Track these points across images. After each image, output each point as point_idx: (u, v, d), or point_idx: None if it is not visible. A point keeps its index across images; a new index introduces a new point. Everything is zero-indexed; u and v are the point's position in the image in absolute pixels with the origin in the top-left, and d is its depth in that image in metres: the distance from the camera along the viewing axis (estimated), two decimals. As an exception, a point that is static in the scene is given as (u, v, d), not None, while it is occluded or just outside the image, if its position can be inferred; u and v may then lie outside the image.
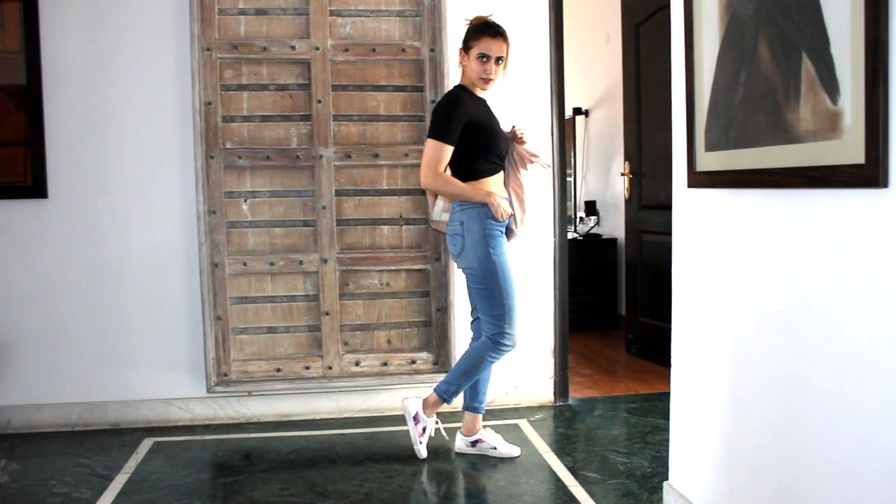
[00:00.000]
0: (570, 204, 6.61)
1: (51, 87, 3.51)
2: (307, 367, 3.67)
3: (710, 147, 2.19)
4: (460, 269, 3.17)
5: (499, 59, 3.00)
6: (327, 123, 3.59)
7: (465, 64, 3.04)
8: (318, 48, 3.57)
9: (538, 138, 3.78)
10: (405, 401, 3.19)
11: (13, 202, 3.53)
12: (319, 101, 3.58)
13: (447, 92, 3.09)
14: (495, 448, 3.19)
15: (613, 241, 5.92)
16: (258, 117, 3.59)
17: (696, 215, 2.36)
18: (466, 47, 3.03)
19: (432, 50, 3.61)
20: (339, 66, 3.61)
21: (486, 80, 3.01)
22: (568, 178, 6.44)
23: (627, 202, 5.03)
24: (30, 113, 3.49)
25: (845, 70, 1.59)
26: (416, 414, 3.15)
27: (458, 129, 2.94)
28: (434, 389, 3.16)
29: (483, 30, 3.00)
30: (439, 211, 3.13)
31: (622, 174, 5.05)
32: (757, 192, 1.99)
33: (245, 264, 3.60)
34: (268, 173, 3.61)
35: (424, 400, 3.18)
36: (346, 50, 3.59)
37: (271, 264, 3.62)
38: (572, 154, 6.69)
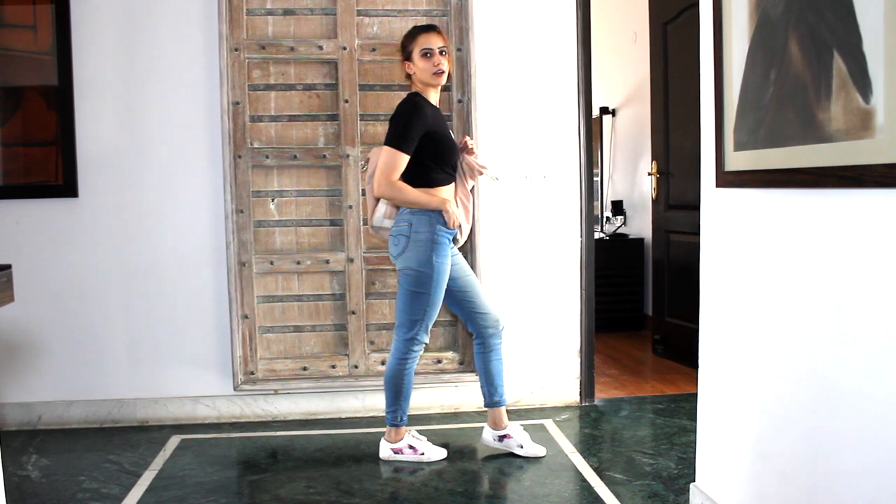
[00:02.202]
0: (597, 204, 6.57)
1: (82, 88, 3.55)
2: (333, 366, 3.68)
3: (740, 146, 2.17)
4: (396, 269, 3.11)
5: (442, 50, 2.99)
6: (354, 123, 3.61)
7: (412, 71, 3.02)
8: (345, 48, 3.58)
9: (565, 139, 3.78)
10: (380, 454, 3.17)
11: (44, 201, 3.58)
12: (346, 101, 3.60)
13: (404, 100, 3.02)
14: (521, 446, 3.18)
15: (640, 240, 5.88)
16: (285, 117, 3.61)
17: (724, 215, 2.33)
18: (407, 54, 3.02)
19: (459, 49, 3.61)
20: (367, 65, 3.62)
21: (439, 74, 2.98)
22: (595, 178, 6.41)
23: (654, 202, 4.99)
24: (61, 113, 3.54)
25: (878, 68, 1.56)
26: (393, 449, 3.15)
27: (417, 139, 2.92)
28: (385, 422, 3.16)
29: (415, 31, 3.03)
30: (380, 217, 3.11)
31: (649, 174, 5.01)
32: (787, 192, 1.97)
33: (272, 263, 3.63)
34: (295, 173, 3.63)
35: (386, 436, 3.17)
36: (374, 50, 3.60)
37: (298, 263, 3.64)
38: (599, 153, 6.65)
